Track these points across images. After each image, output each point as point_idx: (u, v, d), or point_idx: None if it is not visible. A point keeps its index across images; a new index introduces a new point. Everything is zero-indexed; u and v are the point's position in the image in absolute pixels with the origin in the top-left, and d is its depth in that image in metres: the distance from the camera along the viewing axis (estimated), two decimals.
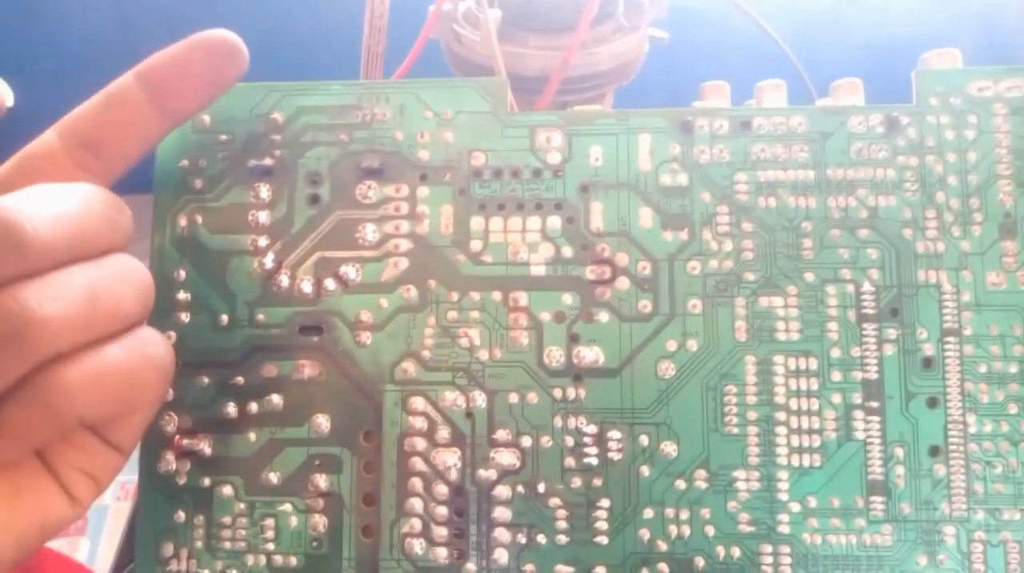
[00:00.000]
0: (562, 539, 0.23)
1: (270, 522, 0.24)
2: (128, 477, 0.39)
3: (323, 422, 0.24)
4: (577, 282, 0.24)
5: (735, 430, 0.23)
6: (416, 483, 0.23)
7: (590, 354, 0.23)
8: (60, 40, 0.67)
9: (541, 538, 0.23)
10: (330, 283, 0.24)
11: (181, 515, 0.24)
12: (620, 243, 0.24)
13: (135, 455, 0.23)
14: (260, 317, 0.24)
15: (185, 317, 0.24)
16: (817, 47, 0.35)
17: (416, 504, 0.23)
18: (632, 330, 0.24)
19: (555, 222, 0.24)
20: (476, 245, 0.24)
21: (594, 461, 0.23)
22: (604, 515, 0.23)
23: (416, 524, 0.23)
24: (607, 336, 0.24)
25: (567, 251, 0.24)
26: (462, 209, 0.24)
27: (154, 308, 0.24)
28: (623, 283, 0.24)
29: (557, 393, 0.23)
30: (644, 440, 0.23)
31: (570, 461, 0.23)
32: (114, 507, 0.40)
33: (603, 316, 0.24)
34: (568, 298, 0.24)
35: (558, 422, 0.23)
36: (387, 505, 0.23)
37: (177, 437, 0.24)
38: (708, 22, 0.39)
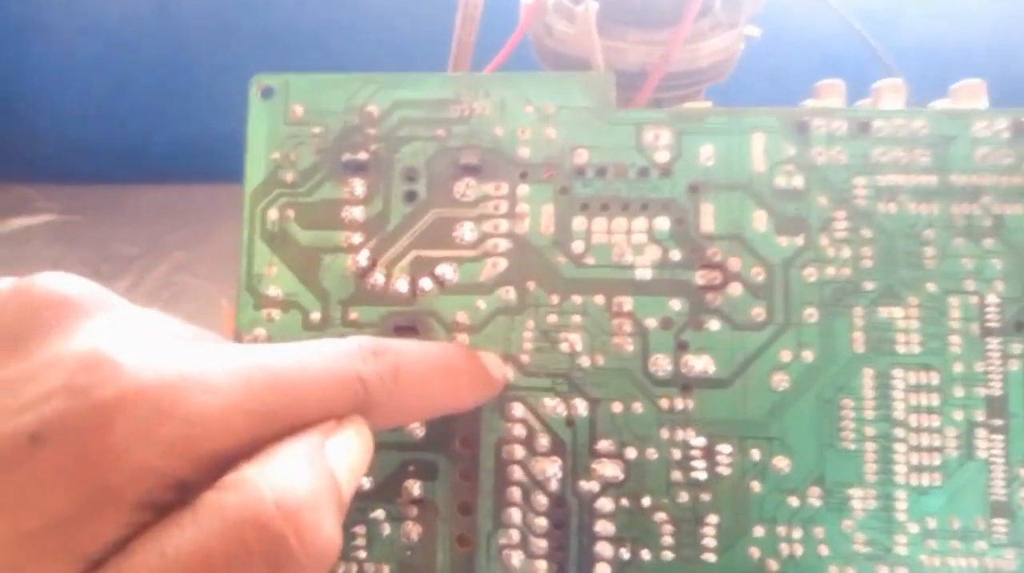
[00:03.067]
0: (667, 556, 0.22)
1: (361, 529, 0.23)
2: None
3: (416, 427, 0.23)
4: (686, 287, 0.23)
5: (852, 446, 0.22)
6: (514, 492, 0.23)
7: (699, 363, 0.22)
8: (102, 25, 0.66)
9: (645, 554, 0.22)
10: (426, 283, 0.23)
11: None
12: (732, 247, 0.23)
13: None
14: (353, 316, 0.24)
15: (276, 314, 0.24)
16: (913, 47, 0.34)
17: (514, 514, 0.22)
18: (744, 339, 0.22)
19: (663, 223, 0.23)
20: (578, 246, 0.23)
21: (702, 475, 0.22)
22: (712, 532, 0.22)
23: (514, 535, 0.22)
24: (718, 345, 0.22)
25: (675, 254, 0.23)
26: (564, 209, 0.23)
27: (244, 307, 0.23)
28: (735, 289, 0.23)
29: (664, 403, 0.22)
30: (755, 454, 0.22)
31: (677, 474, 0.22)
32: None
33: (713, 324, 0.23)
34: (676, 304, 0.23)
35: (664, 434, 0.22)
36: (484, 514, 0.23)
37: None
38: (794, 19, 0.37)
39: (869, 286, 0.22)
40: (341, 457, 0.16)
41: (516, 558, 0.22)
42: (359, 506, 0.23)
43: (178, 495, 0.14)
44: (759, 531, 0.22)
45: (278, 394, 0.16)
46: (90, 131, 0.70)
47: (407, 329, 0.23)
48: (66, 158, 0.72)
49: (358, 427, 0.17)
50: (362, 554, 0.23)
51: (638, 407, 0.22)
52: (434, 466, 0.23)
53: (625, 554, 0.22)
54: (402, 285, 0.23)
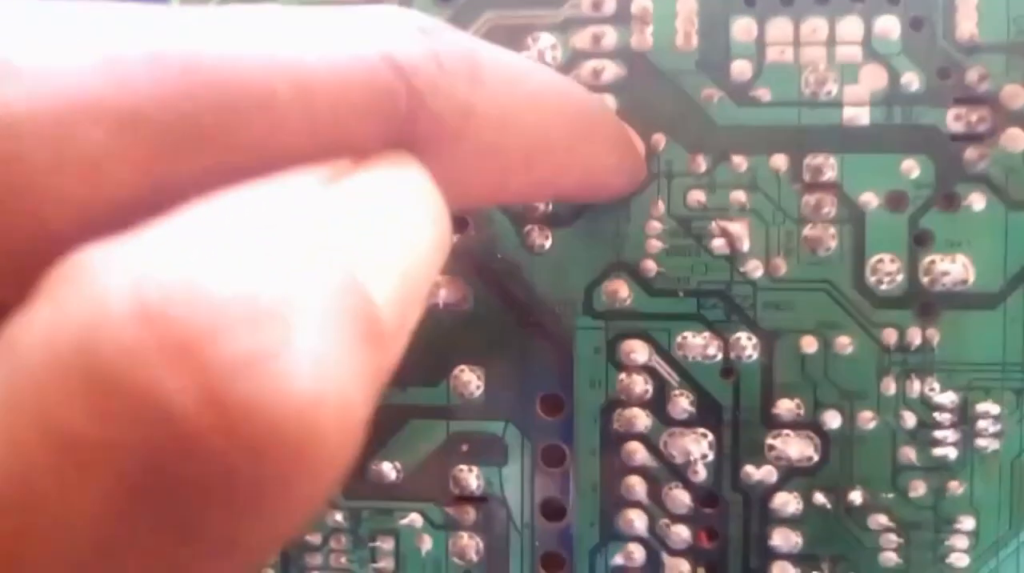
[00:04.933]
0: None
1: (387, 544, 0.14)
2: None
3: (471, 380, 0.14)
4: (930, 137, 0.13)
5: None
6: (635, 485, 0.14)
7: (952, 268, 0.13)
8: None
9: None
10: None
11: None
12: (1013, 65, 0.13)
13: None
14: None
15: None
16: None
17: (636, 519, 0.14)
18: None
19: (889, 25, 0.13)
20: (742, 70, 0.13)
21: (951, 453, 0.13)
22: (964, 543, 0.13)
23: (636, 552, 0.14)
24: (982, 236, 0.13)
25: (911, 80, 0.13)
26: (715, 5, 0.13)
27: None
28: (1014, 139, 0.13)
29: (889, 336, 0.13)
30: None
31: (908, 453, 0.13)
32: None
33: (976, 200, 0.13)
34: (913, 166, 0.13)
35: (889, 387, 0.13)
36: (584, 520, 0.14)
37: None
38: None
39: None
40: (368, 233, 0.08)
41: None
42: (382, 507, 0.14)
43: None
44: None
45: (204, 89, 0.07)
46: None
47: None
48: None
49: (406, 172, 0.08)
50: None
51: (845, 344, 0.13)
52: (501, 444, 0.14)
53: None
54: None
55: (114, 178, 0.07)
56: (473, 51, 0.09)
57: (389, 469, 0.14)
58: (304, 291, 0.06)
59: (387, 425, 0.14)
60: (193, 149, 0.07)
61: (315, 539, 0.15)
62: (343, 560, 0.15)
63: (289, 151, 0.08)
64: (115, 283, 0.06)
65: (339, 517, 0.15)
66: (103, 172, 0.07)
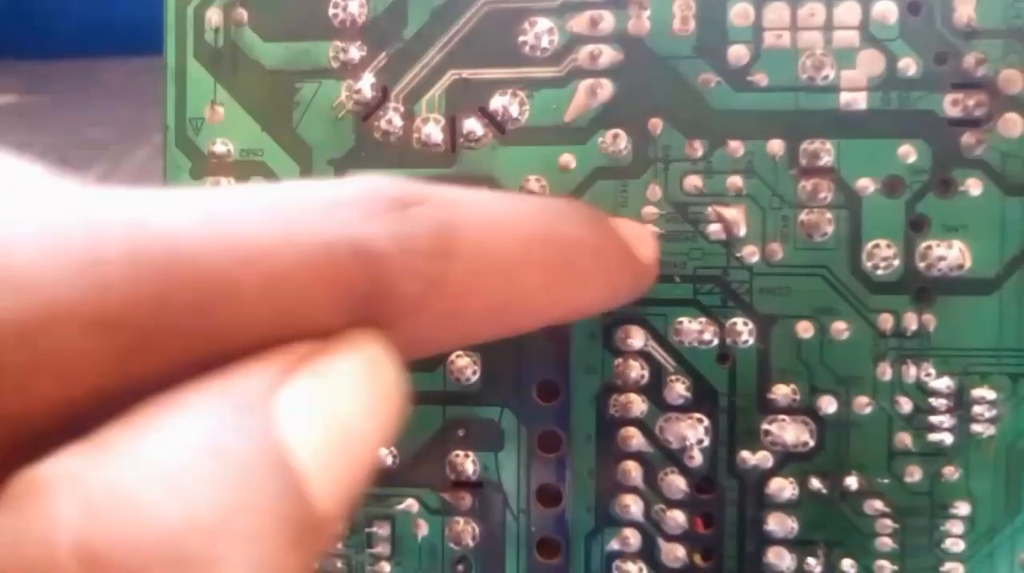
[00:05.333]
0: (885, 568, 0.13)
1: (383, 529, 0.14)
2: None
3: (468, 365, 0.14)
4: (927, 122, 0.13)
5: None
6: (631, 470, 0.14)
7: (949, 254, 0.13)
8: None
9: (848, 566, 0.13)
10: (475, 126, 0.14)
11: None
12: (1010, 50, 0.13)
13: None
14: None
15: (228, 183, 0.14)
16: None
17: (632, 504, 0.14)
18: None
19: (887, 10, 0.13)
20: (739, 55, 0.13)
21: (947, 438, 0.13)
22: (960, 528, 0.13)
23: (632, 538, 0.14)
24: (979, 221, 0.13)
25: (909, 65, 0.13)
26: None
27: (174, 171, 0.14)
28: (1011, 124, 0.13)
29: (885, 322, 0.13)
30: None
31: (904, 438, 0.13)
32: None
33: (973, 185, 0.13)
34: (910, 151, 0.13)
35: (885, 372, 0.13)
36: (580, 505, 0.14)
37: None
38: None
39: None
40: (314, 424, 0.08)
41: None
42: (378, 493, 0.14)
43: None
44: None
45: (177, 288, 0.08)
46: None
47: None
48: (27, 33, 0.61)
49: (362, 353, 0.09)
50: (385, 569, 0.14)
51: (841, 329, 0.13)
52: (497, 429, 0.14)
53: (816, 567, 0.14)
54: (434, 132, 0.14)
55: (87, 378, 0.07)
56: (446, 225, 0.09)
57: (385, 455, 0.14)
58: (237, 514, 0.07)
59: None
60: (163, 346, 0.07)
61: None
62: (339, 545, 0.15)
63: (251, 339, 0.08)
64: (63, 517, 0.06)
65: None
66: (76, 373, 0.07)
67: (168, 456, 0.07)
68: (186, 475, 0.07)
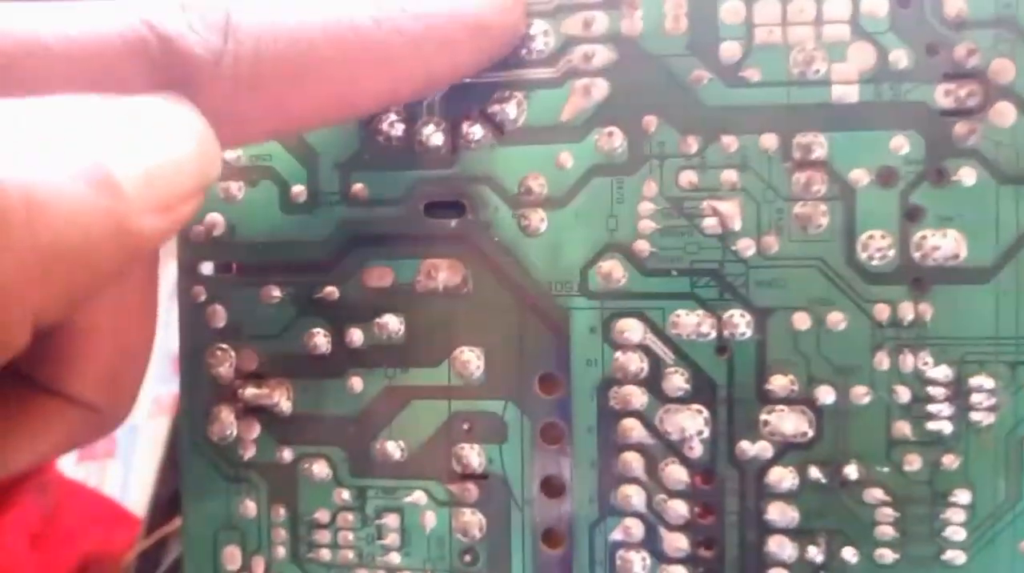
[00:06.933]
0: (886, 556, 0.14)
1: (392, 520, 0.15)
2: (162, 389, 0.31)
3: (472, 360, 0.14)
4: (919, 113, 0.13)
5: None
6: (632, 461, 0.14)
7: (944, 243, 0.13)
8: None
9: (849, 554, 0.14)
10: (474, 129, 0.14)
11: (251, 506, 0.15)
12: (1001, 40, 0.13)
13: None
14: (358, 188, 0.14)
15: (237, 190, 0.15)
16: None
17: (634, 495, 0.14)
18: (1020, 199, 0.13)
19: (877, 3, 0.13)
20: (731, 51, 0.14)
21: (946, 427, 0.13)
22: (961, 516, 0.13)
23: (634, 527, 0.14)
24: (973, 211, 0.13)
25: (900, 57, 0.13)
26: None
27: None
28: (1003, 114, 0.13)
29: (881, 312, 0.13)
30: None
31: (903, 428, 0.13)
32: (146, 426, 0.32)
33: (967, 175, 0.13)
34: (903, 143, 0.13)
35: (882, 362, 0.13)
36: (583, 496, 0.14)
37: (237, 384, 0.15)
38: None
39: None
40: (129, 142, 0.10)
41: (639, 564, 0.14)
42: (387, 486, 0.15)
43: None
44: None
45: None
46: None
47: (447, 206, 0.14)
48: None
49: (171, 101, 0.11)
50: (395, 559, 0.15)
51: (838, 320, 0.13)
52: (501, 423, 0.14)
53: (817, 556, 0.14)
54: (435, 135, 0.14)
55: None
56: (225, 9, 0.11)
57: (393, 448, 0.15)
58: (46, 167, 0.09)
59: (391, 406, 0.15)
60: None
61: (324, 517, 0.15)
62: (350, 537, 0.15)
63: (57, 86, 0.10)
64: None
65: (346, 496, 0.15)
66: None
67: None
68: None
